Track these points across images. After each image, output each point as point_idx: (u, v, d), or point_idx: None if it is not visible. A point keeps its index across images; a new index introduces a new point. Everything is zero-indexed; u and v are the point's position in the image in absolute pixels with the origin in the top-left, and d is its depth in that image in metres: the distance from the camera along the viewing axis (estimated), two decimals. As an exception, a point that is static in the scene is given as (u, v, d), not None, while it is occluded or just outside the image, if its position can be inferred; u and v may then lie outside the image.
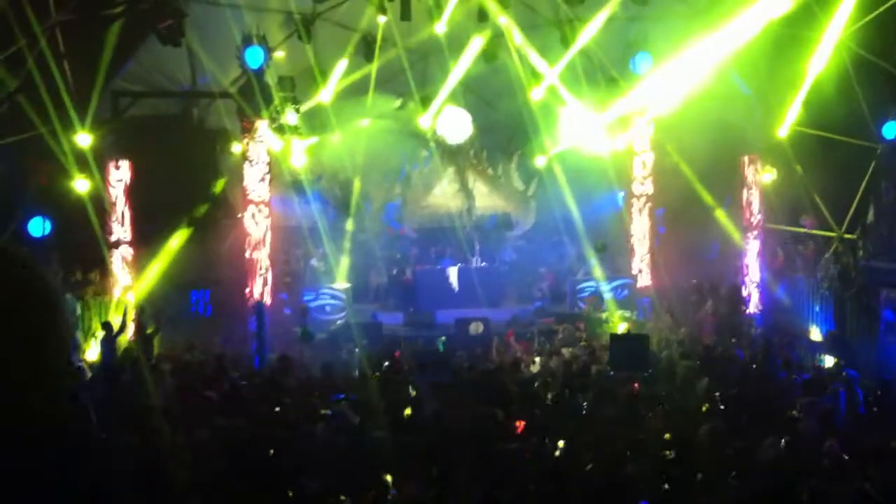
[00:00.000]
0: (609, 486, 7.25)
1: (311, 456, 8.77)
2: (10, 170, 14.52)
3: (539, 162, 21.76)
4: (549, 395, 11.28)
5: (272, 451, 8.59)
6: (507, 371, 13.02)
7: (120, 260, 17.50)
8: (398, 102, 21.20)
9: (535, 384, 12.16)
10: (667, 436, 8.91)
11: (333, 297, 19.62)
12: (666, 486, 7.48)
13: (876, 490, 7.45)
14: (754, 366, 13.16)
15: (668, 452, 8.21)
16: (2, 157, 14.53)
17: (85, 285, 16.64)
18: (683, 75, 16.95)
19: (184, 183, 17.03)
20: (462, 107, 21.15)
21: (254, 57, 16.64)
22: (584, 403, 10.48)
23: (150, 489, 7.25)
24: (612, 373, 12.66)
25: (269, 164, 18.19)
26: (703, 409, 10.10)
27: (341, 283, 20.19)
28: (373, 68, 18.86)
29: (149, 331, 14.63)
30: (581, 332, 16.85)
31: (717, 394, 10.71)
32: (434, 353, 15.28)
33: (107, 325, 14.60)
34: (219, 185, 18.39)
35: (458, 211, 23.27)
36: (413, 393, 11.68)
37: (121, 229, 17.55)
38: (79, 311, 15.82)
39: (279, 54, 17.99)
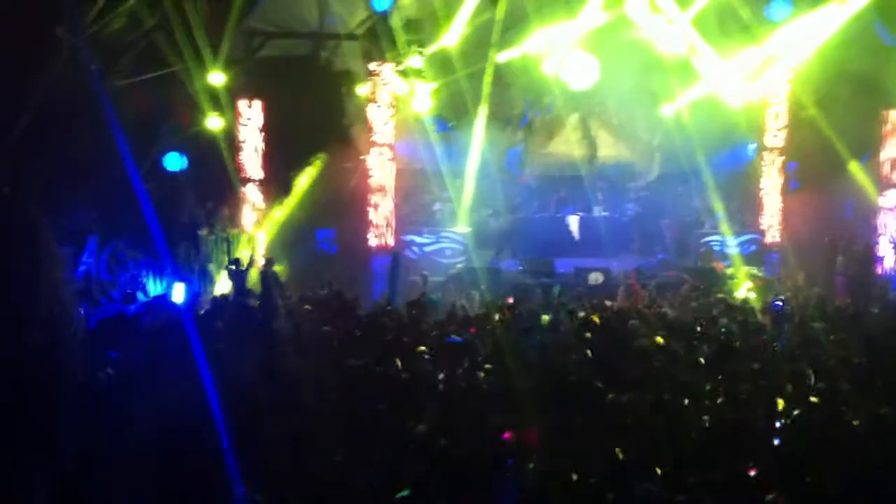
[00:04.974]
0: (735, 438, 7.13)
1: (425, 396, 8.85)
2: (149, 106, 15.09)
3: (666, 111, 21.09)
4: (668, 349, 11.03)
5: (389, 391, 8.68)
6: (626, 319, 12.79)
7: (251, 196, 18.07)
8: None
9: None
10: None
11: (453, 241, 19.73)
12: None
13: None
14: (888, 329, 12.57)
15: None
16: (142, 93, 15.13)
17: (217, 219, 17.30)
18: (822, 23, 16.14)
19: (312, 124, 17.41)
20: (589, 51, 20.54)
21: (380, -1, 16.74)
22: (702, 359, 10.21)
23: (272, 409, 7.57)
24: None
25: (393, 107, 18.32)
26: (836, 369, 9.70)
27: (462, 228, 20.22)
28: (498, 12, 18.55)
29: (276, 268, 15.10)
30: (698, 288, 16.41)
31: (855, 359, 10.26)
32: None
33: (236, 261, 15.19)
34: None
35: (581, 159, 22.87)
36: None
37: (252, 167, 18.08)
38: (212, 244, 16.52)
39: (406, -4, 18.00)
